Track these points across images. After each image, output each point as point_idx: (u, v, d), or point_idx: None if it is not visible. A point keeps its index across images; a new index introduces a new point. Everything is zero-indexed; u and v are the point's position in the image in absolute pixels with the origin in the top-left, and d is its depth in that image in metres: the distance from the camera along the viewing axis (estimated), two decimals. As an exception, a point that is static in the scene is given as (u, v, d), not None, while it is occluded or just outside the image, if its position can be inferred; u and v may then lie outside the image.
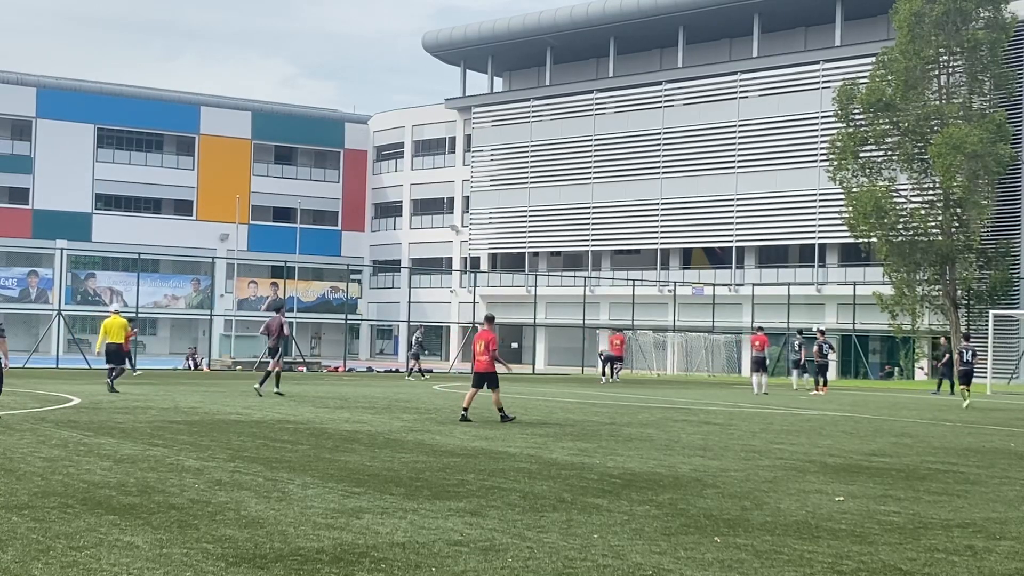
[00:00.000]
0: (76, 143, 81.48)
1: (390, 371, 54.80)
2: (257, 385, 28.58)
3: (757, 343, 38.83)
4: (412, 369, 45.46)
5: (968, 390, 32.23)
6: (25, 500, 10.01)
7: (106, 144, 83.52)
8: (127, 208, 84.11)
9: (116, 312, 31.35)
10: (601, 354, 49.86)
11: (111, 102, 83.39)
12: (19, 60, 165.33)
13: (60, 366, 45.92)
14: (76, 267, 79.48)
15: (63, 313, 52.70)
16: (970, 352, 33.26)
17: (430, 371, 47.31)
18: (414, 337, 46.41)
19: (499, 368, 21.71)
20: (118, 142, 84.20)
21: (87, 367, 44.56)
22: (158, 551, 7.88)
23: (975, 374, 33.84)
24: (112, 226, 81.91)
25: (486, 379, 20.95)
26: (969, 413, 28.17)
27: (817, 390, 38.25)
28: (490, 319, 22.16)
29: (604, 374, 46.93)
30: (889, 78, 53.79)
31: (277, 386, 28.36)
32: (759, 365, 38.29)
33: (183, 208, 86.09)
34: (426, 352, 48.18)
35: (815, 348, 39.94)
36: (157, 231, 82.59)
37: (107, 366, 29.67)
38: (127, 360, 37.81)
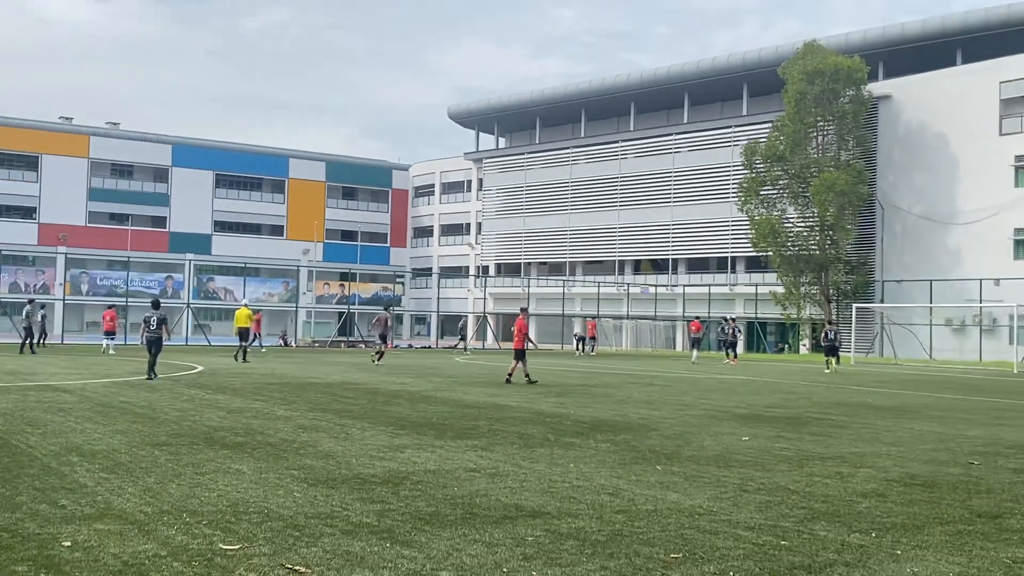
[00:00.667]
0: (200, 184, 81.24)
1: (424, 347, 54.66)
2: (377, 362, 28.78)
3: (693, 327, 38.98)
4: (458, 346, 46.05)
5: (835, 360, 32.65)
6: (163, 439, 10.02)
7: (222, 185, 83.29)
8: (237, 231, 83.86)
9: (245, 304, 31.41)
10: (576, 335, 49.81)
11: (226, 155, 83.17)
12: (161, 125, 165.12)
13: (189, 344, 45.87)
14: (200, 273, 79.28)
15: (191, 306, 52.58)
16: (833, 332, 33.61)
17: (465, 350, 47.11)
18: (461, 324, 47.05)
19: (528, 346, 22.01)
20: (230, 183, 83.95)
21: (208, 344, 44.51)
22: (259, 476, 7.90)
23: (839, 349, 34.14)
24: (226, 244, 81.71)
25: (519, 354, 21.16)
26: (836, 377, 28.13)
27: (728, 360, 38.49)
28: (524, 310, 22.20)
29: (578, 349, 47.12)
30: (781, 138, 53.68)
31: (379, 361, 28.52)
32: (695, 343, 38.66)
33: (276, 231, 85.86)
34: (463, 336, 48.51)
35: (728, 330, 40.15)
36: (258, 247, 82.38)
37: (238, 344, 30.08)
38: (256, 339, 38.69)
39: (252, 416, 12.61)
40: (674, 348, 63.26)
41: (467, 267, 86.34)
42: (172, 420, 11.87)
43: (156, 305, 20.71)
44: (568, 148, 76.41)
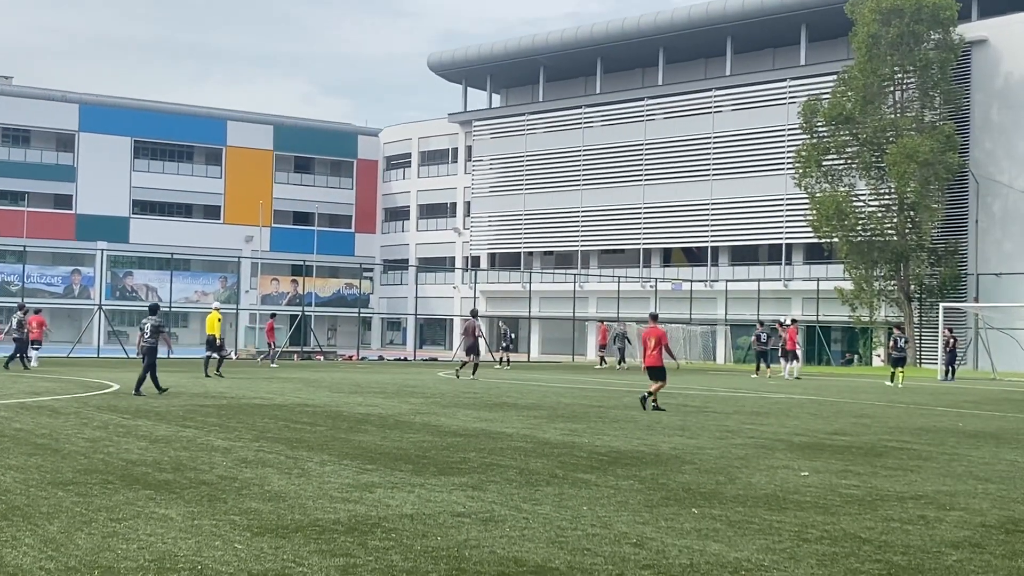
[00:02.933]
0: (115, 154, 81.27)
1: (399, 359, 54.74)
2: (458, 373, 32.54)
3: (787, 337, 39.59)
4: (502, 359, 46.26)
5: (900, 372, 33.74)
6: (70, 476, 10.02)
7: (142, 155, 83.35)
8: (161, 213, 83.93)
9: (216, 308, 32.59)
10: (617, 345, 49.78)
11: (147, 117, 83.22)
12: (63, 79, 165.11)
13: (101, 355, 45.92)
14: (115, 266, 79.28)
15: (103, 308, 52.58)
16: (903, 340, 35.02)
17: (507, 361, 47.34)
18: (502, 331, 47.58)
19: (668, 362, 21.17)
20: (153, 153, 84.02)
21: (125, 356, 44.53)
22: (190, 522, 7.89)
23: (907, 359, 35.55)
24: (147, 229, 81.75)
25: (657, 372, 20.54)
26: (921, 395, 28.17)
27: (758, 374, 39.17)
28: (654, 317, 21.80)
29: (621, 361, 48.04)
30: (849, 94, 53.78)
31: (473, 373, 32.29)
32: (761, 355, 40.12)
33: (212, 213, 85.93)
34: (505, 345, 48.76)
35: (763, 336, 40.52)
36: (188, 233, 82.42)
37: (206, 355, 31.23)
38: (270, 349, 41.94)
39: (181, 447, 12.61)
40: (713, 359, 63.36)
41: (452, 258, 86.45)
42: (80, 452, 11.87)
43: (154, 310, 22.31)
44: (580, 108, 76.48)
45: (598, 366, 48.48)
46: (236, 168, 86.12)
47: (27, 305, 38.87)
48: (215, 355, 31.03)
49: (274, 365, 41.83)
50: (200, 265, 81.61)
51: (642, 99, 73.15)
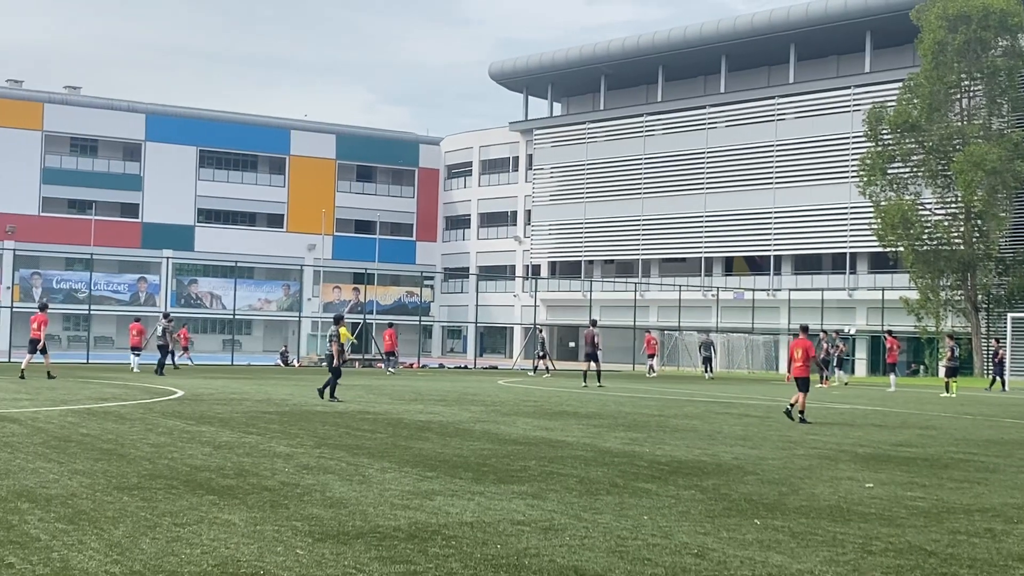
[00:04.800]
0: (180, 163, 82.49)
1: (459, 367, 54.89)
2: (595, 384, 33.61)
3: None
4: (536, 367, 46.38)
5: (953, 382, 33.97)
6: (135, 481, 10.15)
7: (207, 164, 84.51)
8: (225, 221, 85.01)
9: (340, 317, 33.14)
10: (702, 354, 49.98)
11: (211, 126, 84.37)
12: (130, 90, 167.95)
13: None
14: (180, 274, 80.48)
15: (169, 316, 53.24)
16: (956, 350, 35.68)
17: (547, 369, 47.39)
18: (540, 338, 47.69)
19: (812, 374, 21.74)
20: (218, 162, 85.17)
21: (189, 363, 45.11)
22: (252, 528, 7.96)
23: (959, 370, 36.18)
24: (212, 237, 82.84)
25: (803, 383, 20.67)
26: (989, 407, 27.73)
27: (823, 383, 39.07)
28: (805, 328, 21.88)
29: (707, 370, 48.75)
30: (915, 101, 53.18)
31: (599, 381, 33.94)
32: (835, 364, 40.41)
33: (275, 221, 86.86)
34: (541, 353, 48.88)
35: (827, 345, 40.81)
36: (252, 242, 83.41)
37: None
38: (393, 359, 43.60)
39: (244, 453, 12.73)
40: (776, 369, 62.77)
41: (513, 266, 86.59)
42: (145, 458, 12.02)
43: (338, 320, 23.97)
44: (641, 116, 76.33)
45: (648, 375, 48.60)
46: (299, 177, 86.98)
47: (169, 314, 41.00)
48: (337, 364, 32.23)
49: (392, 371, 42.31)
50: (263, 273, 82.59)
51: (704, 107, 72.90)
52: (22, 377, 29.14)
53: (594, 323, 36.20)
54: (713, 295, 67.89)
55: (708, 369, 48.69)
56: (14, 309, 54.47)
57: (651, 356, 50.34)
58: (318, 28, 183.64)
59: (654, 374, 48.62)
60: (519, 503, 9.47)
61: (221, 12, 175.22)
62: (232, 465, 11.56)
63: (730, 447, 15.08)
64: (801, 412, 20.31)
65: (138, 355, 38.47)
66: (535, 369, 46.91)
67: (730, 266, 73.84)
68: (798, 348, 20.88)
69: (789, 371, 21.62)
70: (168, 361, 37.03)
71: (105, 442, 13.52)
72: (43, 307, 32.36)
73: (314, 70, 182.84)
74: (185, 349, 46.47)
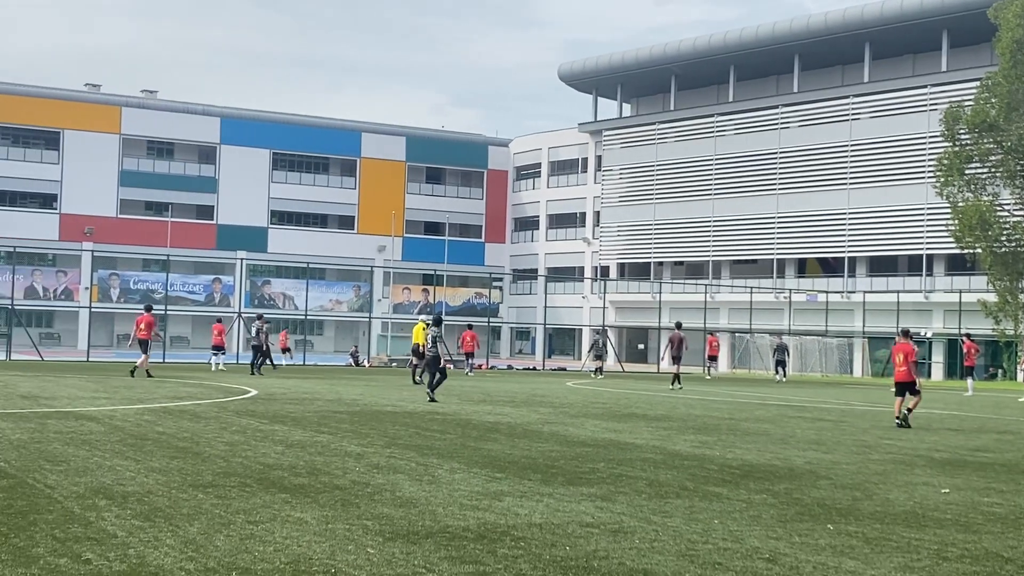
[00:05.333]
0: (254, 166, 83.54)
1: (528, 369, 54.93)
2: (675, 385, 34.27)
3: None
4: (594, 368, 46.54)
5: None
6: (209, 479, 10.29)
7: (280, 167, 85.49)
8: (297, 223, 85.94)
9: (422, 319, 34.61)
10: (775, 358, 49.93)
11: (284, 129, 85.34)
12: (205, 93, 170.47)
13: (240, 362, 47.08)
14: (254, 275, 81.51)
15: (243, 315, 54.00)
16: None
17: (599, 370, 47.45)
18: (597, 340, 47.71)
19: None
20: (290, 165, 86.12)
21: (280, 364, 45.61)
22: (324, 526, 8.04)
23: None
24: (285, 239, 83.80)
25: (907, 387, 20.59)
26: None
27: None
28: (906, 332, 21.85)
29: (779, 373, 48.53)
30: (993, 101, 52.18)
31: (678, 382, 34.58)
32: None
33: (346, 223, 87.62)
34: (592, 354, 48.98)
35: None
36: (323, 243, 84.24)
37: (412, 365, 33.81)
38: (470, 360, 43.50)
39: (316, 452, 12.86)
40: (850, 373, 62.02)
41: (581, 268, 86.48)
42: (219, 456, 12.19)
43: (438, 322, 24.28)
44: (712, 116, 75.87)
45: (706, 376, 48.76)
46: (370, 179, 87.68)
47: (264, 315, 41.78)
48: (418, 363, 32.94)
49: (470, 372, 42.54)
50: (334, 274, 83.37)
51: (776, 107, 72.28)
52: (149, 376, 30.96)
53: (679, 325, 36.35)
54: (785, 297, 67.24)
55: (781, 372, 48.33)
56: (93, 309, 55.55)
57: (712, 359, 50.48)
58: (388, 31, 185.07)
59: (710, 376, 48.68)
60: (588, 505, 9.46)
61: (292, 16, 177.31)
62: (304, 464, 11.68)
63: (803, 451, 14.94)
64: (909, 410, 20.05)
65: (220, 354, 39.45)
66: (597, 370, 46.81)
67: (803, 267, 73.08)
68: (900, 352, 20.62)
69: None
70: (266, 362, 37.93)
71: (180, 440, 13.73)
72: (148, 308, 33.68)
73: (384, 73, 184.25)
74: (285, 351, 47.65)
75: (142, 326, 31.93)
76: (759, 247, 72.70)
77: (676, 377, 35.07)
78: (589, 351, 47.93)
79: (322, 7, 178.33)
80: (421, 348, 32.48)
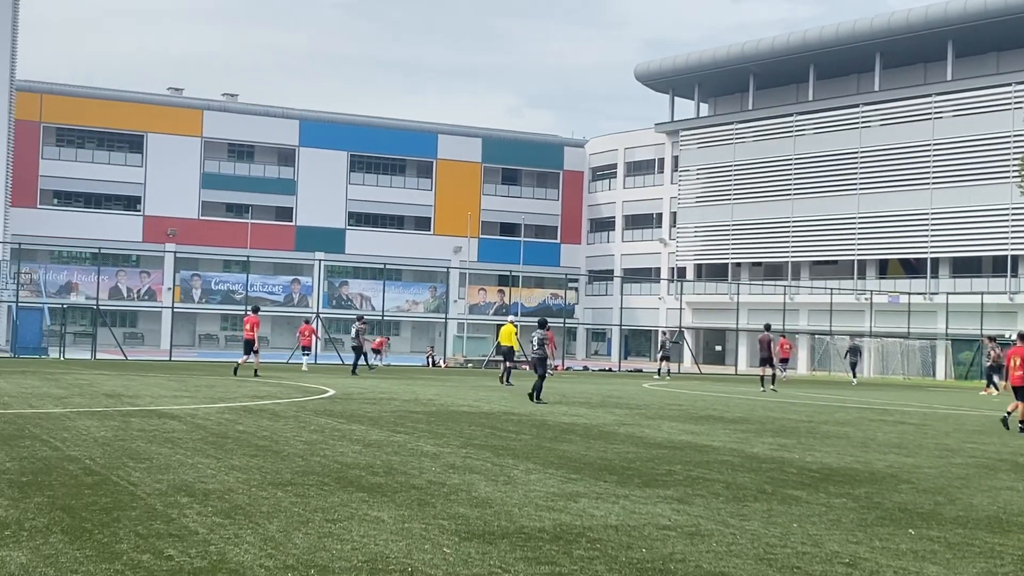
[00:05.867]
0: (332, 168, 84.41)
1: (604, 370, 54.78)
2: (770, 387, 34.39)
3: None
4: (660, 369, 46.31)
5: None
6: (288, 478, 10.41)
7: (357, 168, 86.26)
8: (375, 224, 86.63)
9: (511, 321, 34.96)
10: (848, 359, 49.54)
11: (362, 131, 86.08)
12: (284, 96, 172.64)
13: (318, 362, 47.50)
14: (331, 276, 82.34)
15: (321, 316, 54.57)
16: None
17: (668, 371, 47.35)
18: (664, 341, 47.56)
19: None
20: (367, 166, 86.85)
21: (340, 363, 46.05)
22: (401, 525, 8.09)
23: None
24: (362, 240, 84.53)
25: (1020, 391, 20.45)
26: None
27: (987, 391, 37.74)
28: (1023, 336, 21.76)
29: (854, 376, 48.08)
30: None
31: (773, 383, 34.76)
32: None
33: (422, 224, 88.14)
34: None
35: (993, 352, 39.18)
36: (400, 244, 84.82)
37: (505, 364, 33.62)
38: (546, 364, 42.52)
39: (393, 452, 12.95)
40: (933, 375, 60.96)
41: (658, 269, 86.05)
42: (298, 455, 12.33)
43: (543, 324, 24.53)
44: (791, 116, 75.08)
45: (783, 378, 48.37)
46: (446, 180, 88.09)
47: (363, 316, 42.81)
48: (510, 365, 33.52)
49: (550, 373, 42.57)
50: (411, 275, 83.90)
51: (857, 105, 71.33)
52: (256, 375, 31.81)
53: (768, 327, 36.21)
54: (866, 299, 66.30)
55: (854, 374, 47.85)
56: (175, 309, 56.52)
57: (783, 361, 50.06)
58: (464, 32, 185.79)
59: (783, 376, 48.17)
60: (665, 507, 9.41)
61: (370, 19, 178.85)
62: (381, 463, 11.77)
63: (884, 455, 14.72)
64: (1021, 422, 19.62)
65: (308, 354, 40.17)
66: (669, 372, 46.72)
67: (884, 269, 72.01)
68: (1016, 356, 20.16)
69: (1007, 379, 20.91)
70: (361, 362, 38.12)
71: (260, 439, 13.91)
72: (255, 309, 34.49)
73: (460, 74, 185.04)
74: (377, 352, 47.89)
75: (248, 326, 32.94)
76: (839, 248, 71.79)
77: (764, 379, 34.96)
78: (660, 352, 47.79)
79: (399, 10, 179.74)
80: (514, 350, 33.87)
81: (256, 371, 32.42)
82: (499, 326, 54.62)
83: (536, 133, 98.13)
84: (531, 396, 23.54)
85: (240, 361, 32.82)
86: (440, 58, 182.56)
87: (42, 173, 76.59)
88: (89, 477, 9.98)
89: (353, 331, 38.15)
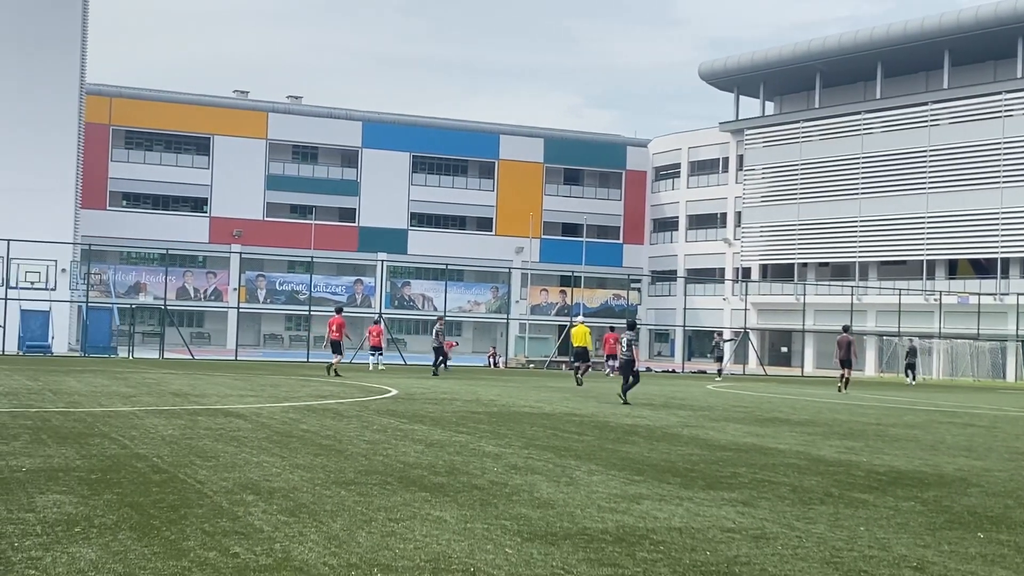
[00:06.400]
0: (395, 169, 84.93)
1: (667, 371, 54.52)
2: (843, 389, 34.58)
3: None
4: (720, 370, 46.16)
5: None
6: (351, 477, 10.49)
7: (419, 169, 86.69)
8: (436, 225, 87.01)
9: (582, 321, 35.69)
10: (907, 361, 49.52)
11: (424, 133, 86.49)
12: (347, 98, 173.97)
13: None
14: (394, 276, 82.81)
15: (383, 316, 54.88)
16: None
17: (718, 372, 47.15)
18: (719, 342, 47.48)
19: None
20: (429, 167, 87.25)
21: (403, 363, 46.30)
22: (463, 525, 8.11)
23: None
24: (424, 240, 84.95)
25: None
26: None
27: None
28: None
29: (910, 377, 48.21)
30: None
31: (846, 386, 34.70)
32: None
33: (484, 224, 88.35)
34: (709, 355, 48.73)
35: None
36: (462, 245, 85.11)
37: (575, 364, 34.50)
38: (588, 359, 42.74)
39: (455, 452, 12.99)
40: (1003, 377, 59.93)
41: (722, 269, 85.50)
42: (361, 454, 12.41)
43: (632, 327, 24.59)
44: (858, 114, 74.28)
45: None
46: (508, 181, 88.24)
47: (444, 316, 43.24)
48: (586, 364, 33.92)
49: (612, 374, 42.59)
50: (472, 275, 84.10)
51: (926, 103, 70.37)
52: (337, 375, 32.42)
53: (846, 328, 35.94)
54: (935, 299, 65.36)
55: (911, 376, 47.63)
56: (240, 309, 57.20)
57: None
58: (525, 33, 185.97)
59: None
60: (729, 510, 9.35)
61: (431, 20, 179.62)
62: (443, 463, 11.81)
63: (953, 458, 14.50)
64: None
65: (378, 355, 40.62)
66: (719, 372, 46.55)
67: (954, 269, 70.95)
68: None
69: None
70: (444, 363, 38.38)
71: (324, 438, 14.03)
72: (339, 310, 35.17)
73: (521, 75, 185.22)
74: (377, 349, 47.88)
75: (334, 328, 33.69)
76: (908, 247, 70.86)
77: (845, 381, 34.89)
78: (715, 353, 47.71)
79: (459, 11, 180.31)
80: (588, 351, 34.28)
81: (335, 370, 33.00)
82: (562, 327, 54.71)
83: (598, 133, 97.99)
84: (621, 396, 23.72)
85: (333, 361, 33.60)
86: (501, 59, 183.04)
87: (111, 175, 77.91)
88: (157, 475, 10.13)
89: (434, 332, 38.35)
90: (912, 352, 48.59)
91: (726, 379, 44.26)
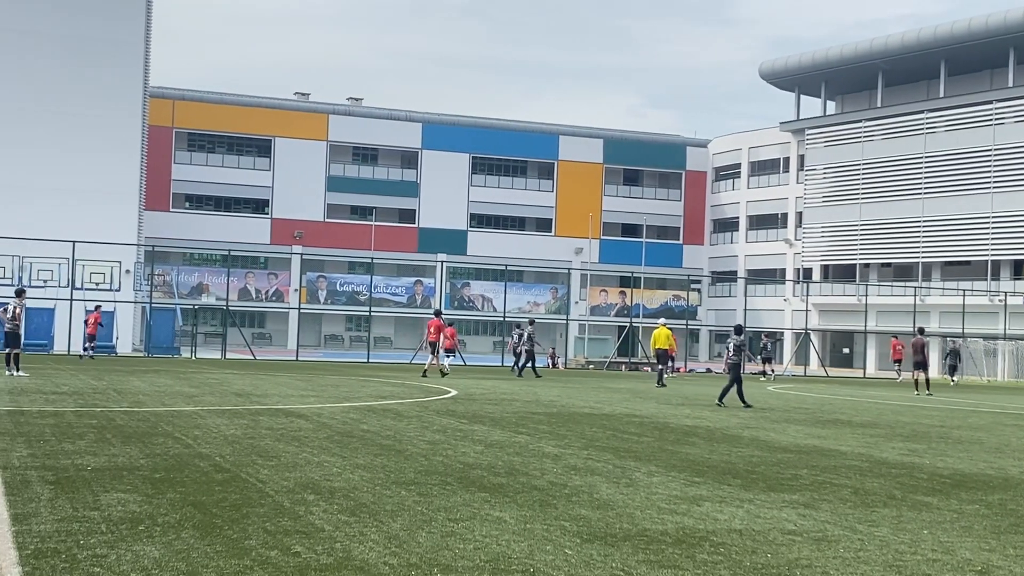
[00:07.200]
0: (454, 170, 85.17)
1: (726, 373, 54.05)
2: (924, 391, 34.14)
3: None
4: (765, 371, 46.42)
5: None
6: (411, 477, 10.54)
7: (479, 170, 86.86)
8: (496, 226, 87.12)
9: (664, 323, 35.87)
10: (947, 362, 49.38)
11: (483, 134, 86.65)
12: (407, 100, 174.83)
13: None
14: (453, 277, 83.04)
15: (443, 317, 54.99)
16: None
17: (763, 373, 46.83)
18: (765, 343, 47.37)
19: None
20: (489, 168, 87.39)
21: (462, 364, 46.39)
22: (523, 526, 8.12)
23: None
24: (484, 241, 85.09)
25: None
26: None
27: None
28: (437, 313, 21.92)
29: (951, 377, 47.86)
30: None
31: (928, 388, 34.31)
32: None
33: (543, 225, 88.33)
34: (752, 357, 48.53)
35: None
36: (521, 245, 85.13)
37: (659, 367, 34.97)
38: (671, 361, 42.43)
39: (514, 452, 13.01)
40: (1071, 380, 58.76)
41: (783, 270, 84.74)
42: (421, 454, 12.47)
43: (739, 331, 24.94)
44: (921, 113, 73.29)
45: (898, 380, 47.85)
46: (567, 181, 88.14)
47: (534, 319, 43.42)
48: (663, 368, 34.61)
49: (669, 375, 42.43)
50: (532, 276, 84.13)
51: (991, 102, 69.25)
52: (425, 376, 33.16)
53: (921, 331, 35.76)
54: (1000, 300, 64.30)
55: (952, 376, 47.25)
56: (301, 310, 57.68)
57: (897, 362, 49.46)
58: (585, 33, 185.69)
59: (899, 379, 47.80)
60: (790, 512, 9.28)
61: (491, 22, 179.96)
62: (503, 464, 11.83)
63: (1018, 460, 14.27)
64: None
65: (452, 356, 40.60)
66: (763, 373, 46.26)
67: (1019, 269, 69.75)
68: None
69: None
70: (531, 366, 38.60)
71: (384, 438, 14.11)
72: (438, 313, 35.75)
73: (581, 75, 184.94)
74: (450, 352, 47.82)
75: (431, 330, 34.33)
76: (972, 248, 69.78)
77: (918, 383, 34.81)
78: (761, 354, 47.62)
79: (519, 12, 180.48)
80: (670, 351, 35.34)
81: (426, 372, 33.95)
82: (621, 327, 54.54)
83: (658, 133, 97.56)
84: (739, 400, 23.66)
85: (434, 364, 34.39)
86: (560, 59, 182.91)
87: (174, 177, 78.91)
88: (219, 474, 10.25)
89: (525, 335, 38.91)
90: (954, 354, 48.22)
91: (776, 380, 43.85)
